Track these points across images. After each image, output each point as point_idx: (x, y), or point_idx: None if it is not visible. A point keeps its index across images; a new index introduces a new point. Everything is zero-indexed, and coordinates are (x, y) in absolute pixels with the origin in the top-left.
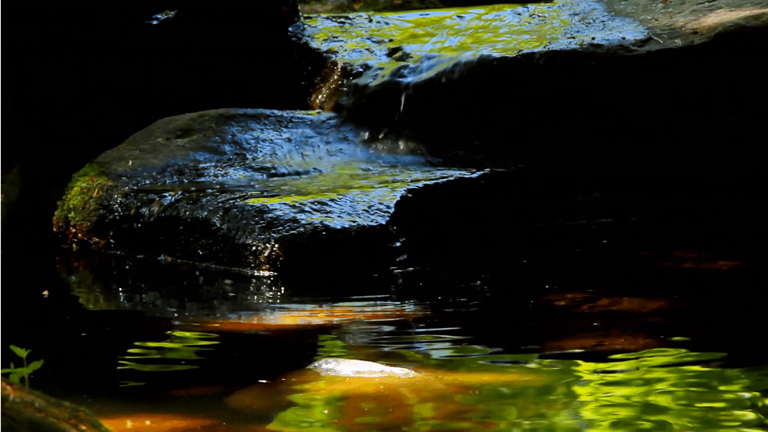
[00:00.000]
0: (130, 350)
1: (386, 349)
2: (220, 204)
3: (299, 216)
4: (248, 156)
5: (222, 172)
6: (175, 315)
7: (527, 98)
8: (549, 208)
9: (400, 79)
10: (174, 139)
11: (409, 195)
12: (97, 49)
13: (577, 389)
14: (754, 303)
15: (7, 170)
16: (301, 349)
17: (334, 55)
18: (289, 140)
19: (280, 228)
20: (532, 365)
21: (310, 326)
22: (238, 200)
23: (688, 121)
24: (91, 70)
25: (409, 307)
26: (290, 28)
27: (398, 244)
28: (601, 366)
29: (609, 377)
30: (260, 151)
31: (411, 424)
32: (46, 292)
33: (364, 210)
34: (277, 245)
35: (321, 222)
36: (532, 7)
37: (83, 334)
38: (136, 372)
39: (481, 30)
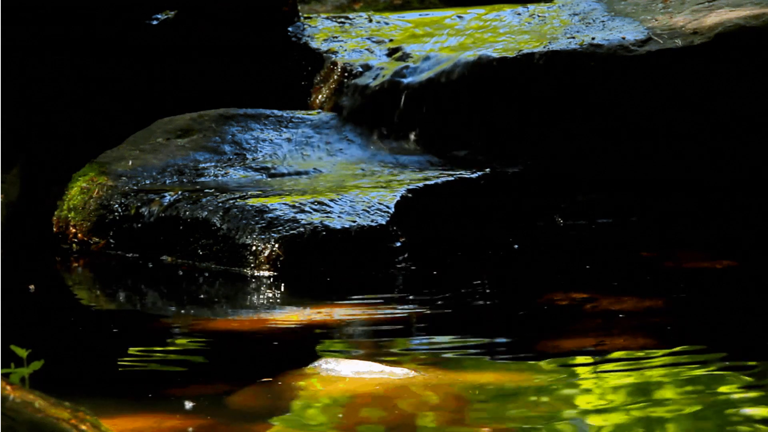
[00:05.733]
0: (130, 350)
1: (386, 349)
2: (220, 204)
3: (299, 216)
4: (248, 156)
5: (222, 172)
6: (175, 315)
7: (527, 98)
8: (549, 208)
9: (400, 79)
10: (174, 139)
11: (409, 195)
12: (97, 49)
13: (577, 389)
14: (754, 303)
15: (7, 170)
16: (301, 349)
17: (334, 55)
18: (289, 140)
19: (280, 228)
20: (532, 365)
21: (310, 326)
22: (238, 200)
23: (688, 121)
24: (91, 70)
25: (409, 307)
26: (290, 28)
27: (398, 244)
28: (601, 366)
29: (609, 377)
30: (260, 151)
31: (411, 424)
32: (32, 287)
33: (364, 210)
34: (277, 245)
35: (321, 222)
36: (532, 7)
37: (83, 335)
38: (136, 372)
39: (481, 30)
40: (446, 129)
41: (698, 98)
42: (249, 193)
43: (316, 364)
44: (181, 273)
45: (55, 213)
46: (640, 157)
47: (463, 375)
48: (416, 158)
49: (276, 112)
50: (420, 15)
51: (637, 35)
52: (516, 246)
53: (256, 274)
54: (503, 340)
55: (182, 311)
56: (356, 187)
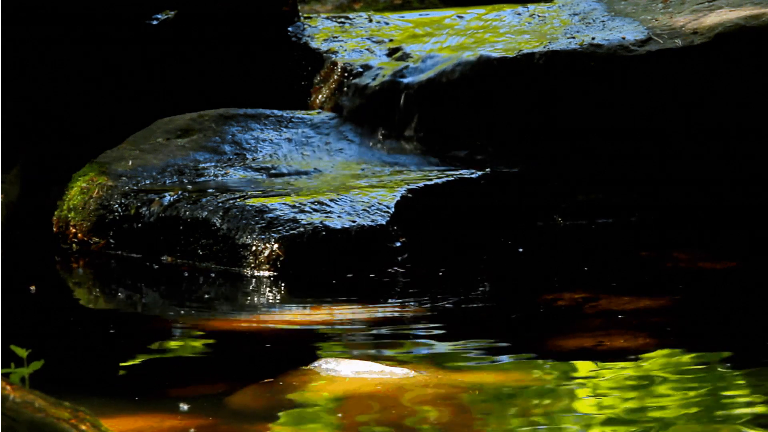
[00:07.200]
0: (130, 350)
1: (386, 349)
2: (220, 204)
3: (299, 216)
4: (248, 156)
5: (222, 172)
6: (175, 315)
7: (527, 98)
8: (549, 208)
9: (400, 79)
10: (174, 139)
11: (409, 195)
12: (97, 49)
13: (577, 389)
14: (754, 303)
15: (7, 170)
16: (301, 349)
17: (334, 55)
18: (289, 140)
19: (280, 228)
20: (532, 365)
21: (310, 326)
22: (238, 200)
23: (688, 121)
24: (91, 70)
25: (409, 307)
26: (290, 28)
27: (398, 244)
28: (601, 366)
29: (609, 377)
30: (260, 151)
31: (411, 425)
32: (33, 287)
33: (364, 210)
34: (277, 245)
35: (321, 222)
36: (532, 7)
37: (83, 335)
38: (136, 372)
39: (481, 30)
40: (446, 129)
41: (698, 98)
42: (249, 193)
43: (316, 364)
44: (186, 274)
45: (55, 213)
46: (641, 157)
47: (463, 375)
48: (416, 158)
49: (276, 112)
50: (420, 15)
51: (637, 35)
52: (520, 249)
53: (256, 274)
54: (503, 340)
55: (182, 311)
56: (356, 187)
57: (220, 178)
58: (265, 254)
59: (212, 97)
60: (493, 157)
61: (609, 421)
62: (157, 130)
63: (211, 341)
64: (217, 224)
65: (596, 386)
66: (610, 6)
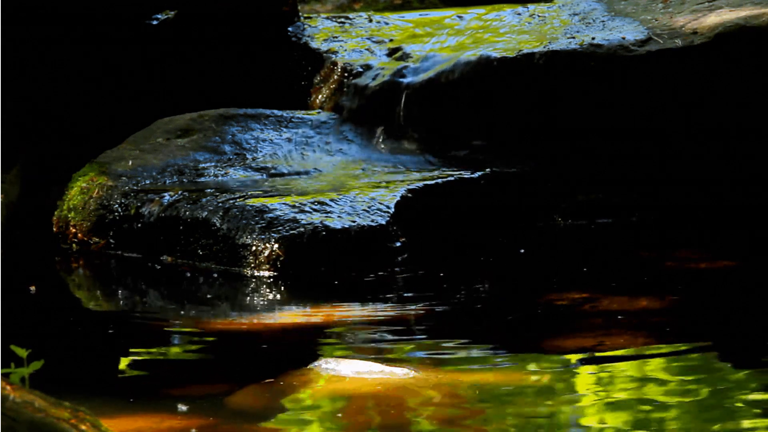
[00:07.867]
0: (130, 350)
1: (386, 349)
2: (220, 204)
3: (299, 216)
4: (248, 156)
5: (222, 172)
6: (175, 315)
7: (527, 98)
8: (549, 208)
9: (400, 79)
10: (174, 139)
11: (409, 195)
12: (97, 48)
13: (577, 389)
14: (754, 303)
15: (7, 170)
16: (301, 349)
17: (334, 55)
18: (289, 140)
19: (280, 228)
20: (532, 365)
21: (310, 326)
22: (238, 200)
23: (688, 121)
24: (91, 69)
25: (409, 308)
26: (290, 28)
27: (398, 244)
28: (601, 366)
29: (609, 377)
30: (260, 151)
31: (411, 424)
32: (33, 287)
33: (364, 210)
34: (277, 245)
35: (321, 222)
36: (532, 7)
37: (83, 335)
38: (136, 372)
39: (481, 30)
40: (446, 129)
41: (698, 98)
42: (249, 193)
43: (316, 364)
44: (188, 275)
45: (55, 213)
46: (641, 157)
47: (463, 375)
48: (416, 158)
49: (276, 112)
50: (420, 15)
51: (637, 35)
52: (521, 250)
53: (256, 274)
54: (503, 340)
55: (182, 311)
56: (356, 187)
57: (220, 178)
58: (265, 254)
59: (212, 97)
60: (493, 157)
61: (609, 421)
62: (157, 130)
63: (211, 341)
64: (217, 224)
65: (596, 386)
66: (610, 6)
